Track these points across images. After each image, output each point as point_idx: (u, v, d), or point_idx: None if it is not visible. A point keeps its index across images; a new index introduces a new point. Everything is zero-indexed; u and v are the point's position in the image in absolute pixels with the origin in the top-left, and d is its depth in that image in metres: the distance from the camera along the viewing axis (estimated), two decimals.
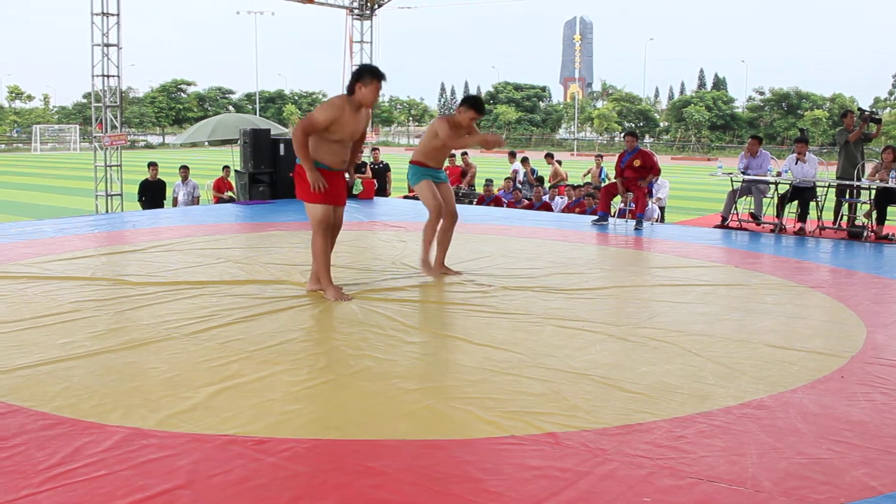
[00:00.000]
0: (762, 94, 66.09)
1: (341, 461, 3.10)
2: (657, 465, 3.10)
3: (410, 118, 79.12)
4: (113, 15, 13.79)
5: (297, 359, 4.41)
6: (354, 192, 13.31)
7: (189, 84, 74.02)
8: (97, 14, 13.72)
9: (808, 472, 3.07)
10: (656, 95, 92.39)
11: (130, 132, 62.27)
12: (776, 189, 11.01)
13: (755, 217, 10.99)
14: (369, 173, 14.58)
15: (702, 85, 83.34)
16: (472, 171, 17.36)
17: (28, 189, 26.17)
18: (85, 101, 62.65)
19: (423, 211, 6.74)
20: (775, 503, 2.82)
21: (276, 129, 16.13)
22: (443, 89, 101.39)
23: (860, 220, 10.70)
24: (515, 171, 17.04)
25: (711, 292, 6.44)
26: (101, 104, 14.20)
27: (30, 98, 72.97)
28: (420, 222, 7.27)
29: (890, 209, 10.38)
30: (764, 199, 11.03)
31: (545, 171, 18.22)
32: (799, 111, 61.51)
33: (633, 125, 67.17)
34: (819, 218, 10.65)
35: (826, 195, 10.93)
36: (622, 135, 59.41)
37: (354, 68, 5.71)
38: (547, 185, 16.88)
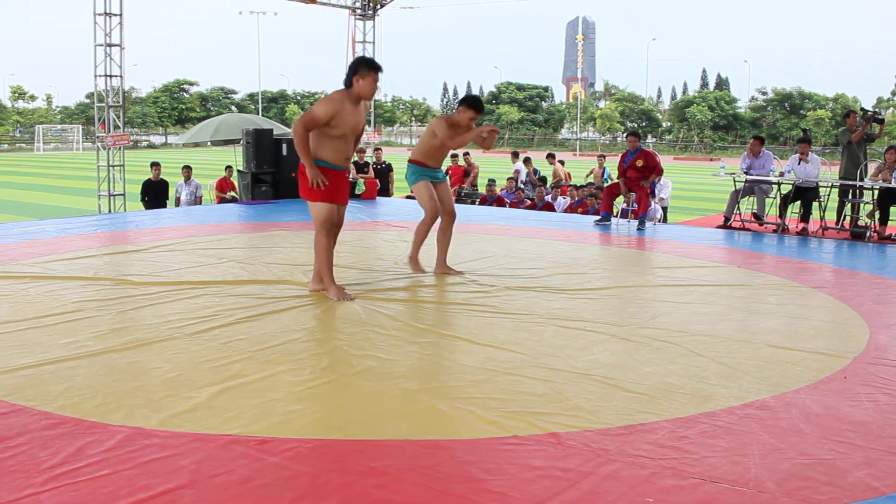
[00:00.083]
0: (765, 94, 66.02)
1: (344, 461, 3.10)
2: (659, 465, 3.10)
3: (413, 118, 79.11)
4: (115, 15, 13.80)
5: (300, 359, 4.41)
6: (357, 192, 13.31)
7: (192, 84, 74.10)
8: (100, 14, 13.72)
9: (810, 472, 3.06)
10: (659, 95, 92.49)
11: (133, 132, 62.35)
12: (779, 189, 10.99)
13: (758, 217, 10.97)
14: (372, 173, 14.59)
15: (704, 85, 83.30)
16: (474, 171, 17.36)
17: (31, 189, 26.20)
18: (88, 101, 62.77)
19: None
20: None
21: (279, 130, 16.13)
22: (445, 89, 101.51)
23: (863, 220, 10.69)
24: (517, 171, 17.04)
25: (714, 293, 6.44)
26: (103, 104, 14.21)
27: (33, 98, 73.12)
28: None
29: (893, 209, 10.37)
30: (767, 200, 11.02)
31: (547, 171, 18.22)
32: (802, 111, 61.40)
33: (636, 125, 67.07)
34: (822, 218, 10.64)
35: (829, 195, 10.92)
36: (625, 135, 59.45)
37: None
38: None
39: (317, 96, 75.47)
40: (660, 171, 10.91)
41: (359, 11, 17.53)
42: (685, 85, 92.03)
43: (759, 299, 6.28)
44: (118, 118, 14.33)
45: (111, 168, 14.48)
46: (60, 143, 60.86)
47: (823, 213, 10.67)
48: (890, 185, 10.03)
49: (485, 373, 4.21)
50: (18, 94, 71.74)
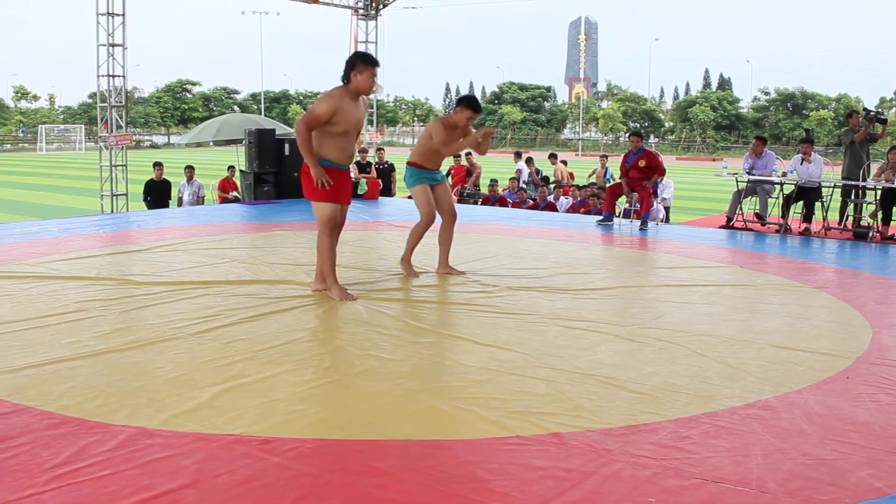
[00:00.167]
0: (767, 94, 66.01)
1: (346, 461, 3.10)
2: (662, 465, 3.10)
3: (415, 118, 79.16)
4: (118, 15, 13.81)
5: (302, 359, 4.41)
6: (359, 192, 13.31)
7: (194, 84, 74.20)
8: (103, 14, 13.73)
9: (813, 472, 3.06)
10: (661, 95, 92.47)
11: (136, 132, 62.39)
12: (781, 189, 10.98)
13: (760, 217, 10.97)
14: (374, 173, 14.59)
15: (707, 85, 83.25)
16: (476, 171, 17.36)
17: (33, 189, 26.23)
18: (90, 101, 62.85)
19: None
20: None
21: (281, 129, 16.13)
22: (447, 89, 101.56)
23: (865, 220, 10.68)
24: (519, 171, 17.03)
25: (716, 293, 6.43)
26: (106, 104, 14.22)
27: (35, 98, 73.26)
28: None
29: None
30: (769, 200, 11.02)
31: (549, 171, 18.21)
32: (804, 111, 61.38)
33: (638, 125, 67.07)
34: (824, 218, 10.63)
35: (831, 195, 10.91)
36: (627, 135, 59.45)
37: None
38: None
39: (319, 96, 75.56)
40: (662, 172, 10.91)
41: (361, 11, 17.53)
42: (688, 85, 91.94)
43: (762, 299, 6.27)
44: (121, 118, 14.34)
45: (114, 168, 14.49)
46: (63, 143, 60.96)
47: (826, 213, 10.65)
48: (893, 186, 10.02)
49: (487, 373, 4.21)
50: (21, 94, 71.86)
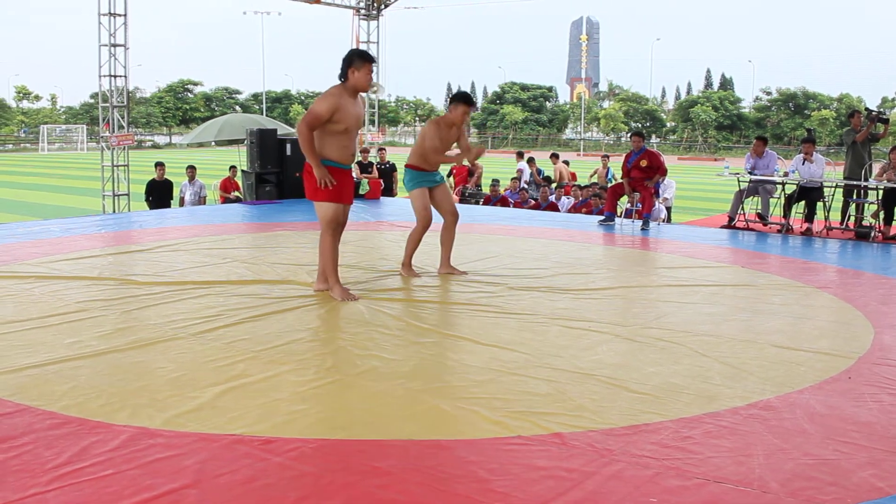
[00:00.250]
0: (769, 94, 65.96)
1: (348, 461, 3.10)
2: (664, 465, 3.10)
3: (417, 118, 79.16)
4: (120, 15, 13.82)
5: (304, 359, 4.42)
6: (361, 192, 13.32)
7: (196, 84, 74.26)
8: (104, 14, 13.74)
9: (815, 472, 3.06)
10: (663, 95, 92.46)
11: (137, 132, 62.40)
12: (783, 189, 10.98)
13: (762, 217, 10.96)
14: (376, 173, 14.59)
15: (708, 85, 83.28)
16: (478, 171, 17.35)
17: (35, 189, 26.25)
18: (92, 101, 62.93)
19: None
20: None
21: (283, 129, 16.15)
22: (449, 89, 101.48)
23: (867, 220, 10.67)
24: (520, 171, 17.03)
25: (718, 293, 6.43)
26: (108, 104, 14.23)
27: (37, 98, 73.29)
28: None
29: None
30: (771, 200, 11.01)
31: (550, 171, 18.20)
32: (806, 111, 61.33)
33: (640, 125, 67.07)
34: (826, 218, 10.62)
35: (833, 195, 10.90)
36: (629, 135, 59.40)
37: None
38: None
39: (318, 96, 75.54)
40: (664, 172, 10.90)
41: (363, 11, 17.53)
42: (689, 85, 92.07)
43: (764, 299, 6.27)
44: (122, 118, 14.35)
45: (115, 168, 14.50)
46: (65, 144, 61.02)
47: (828, 213, 10.64)
48: (894, 186, 10.01)
49: (489, 373, 4.21)
50: (23, 94, 71.92)
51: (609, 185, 13.61)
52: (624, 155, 11.41)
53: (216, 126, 17.54)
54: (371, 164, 14.89)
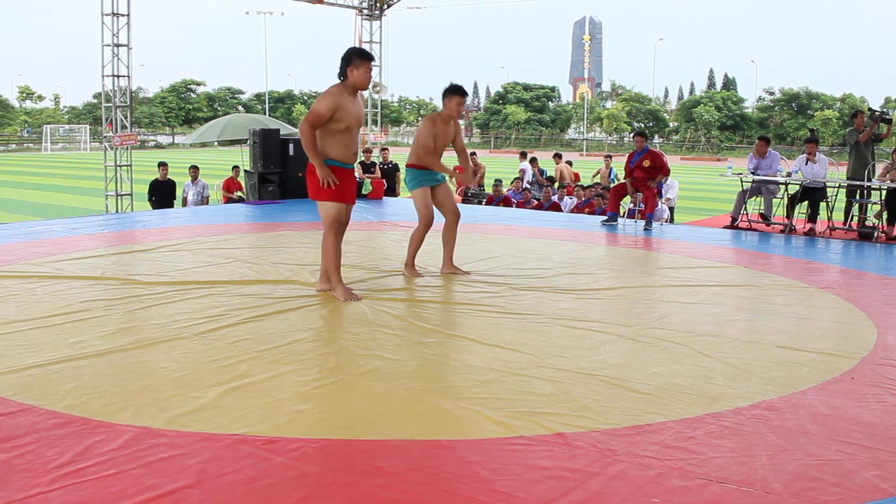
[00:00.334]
0: (772, 94, 65.88)
1: (350, 461, 3.10)
2: (666, 465, 3.10)
3: (419, 118, 79.18)
4: (123, 15, 13.84)
5: (307, 359, 4.42)
6: (364, 192, 13.32)
7: (199, 84, 74.35)
8: (107, 14, 13.77)
9: (817, 473, 3.05)
10: (666, 95, 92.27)
11: (140, 132, 62.51)
12: (786, 189, 10.96)
13: (765, 218, 10.94)
14: (378, 173, 14.60)
15: (711, 85, 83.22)
16: (481, 171, 17.35)
17: (38, 189, 26.30)
18: (95, 101, 63.00)
19: None
20: None
21: (286, 129, 16.14)
22: None
23: (871, 220, 10.66)
24: (523, 171, 17.03)
25: (721, 293, 6.42)
26: (111, 104, 14.26)
27: (40, 98, 73.41)
28: None
29: None
30: (774, 200, 10.99)
31: (554, 171, 18.19)
32: (809, 111, 61.26)
33: (643, 125, 67.04)
34: (829, 218, 10.60)
35: (836, 196, 10.88)
36: (631, 135, 59.34)
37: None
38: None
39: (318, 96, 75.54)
40: (666, 172, 10.89)
41: (365, 11, 17.54)
42: (692, 85, 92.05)
43: (767, 300, 6.26)
44: (125, 118, 14.37)
45: (118, 168, 14.53)
46: (68, 143, 61.11)
47: (831, 213, 10.63)
48: None
49: (491, 373, 4.20)
50: (26, 94, 72.04)
51: (612, 185, 13.61)
52: (627, 155, 11.40)
53: (219, 126, 17.55)
54: (374, 164, 14.89)
